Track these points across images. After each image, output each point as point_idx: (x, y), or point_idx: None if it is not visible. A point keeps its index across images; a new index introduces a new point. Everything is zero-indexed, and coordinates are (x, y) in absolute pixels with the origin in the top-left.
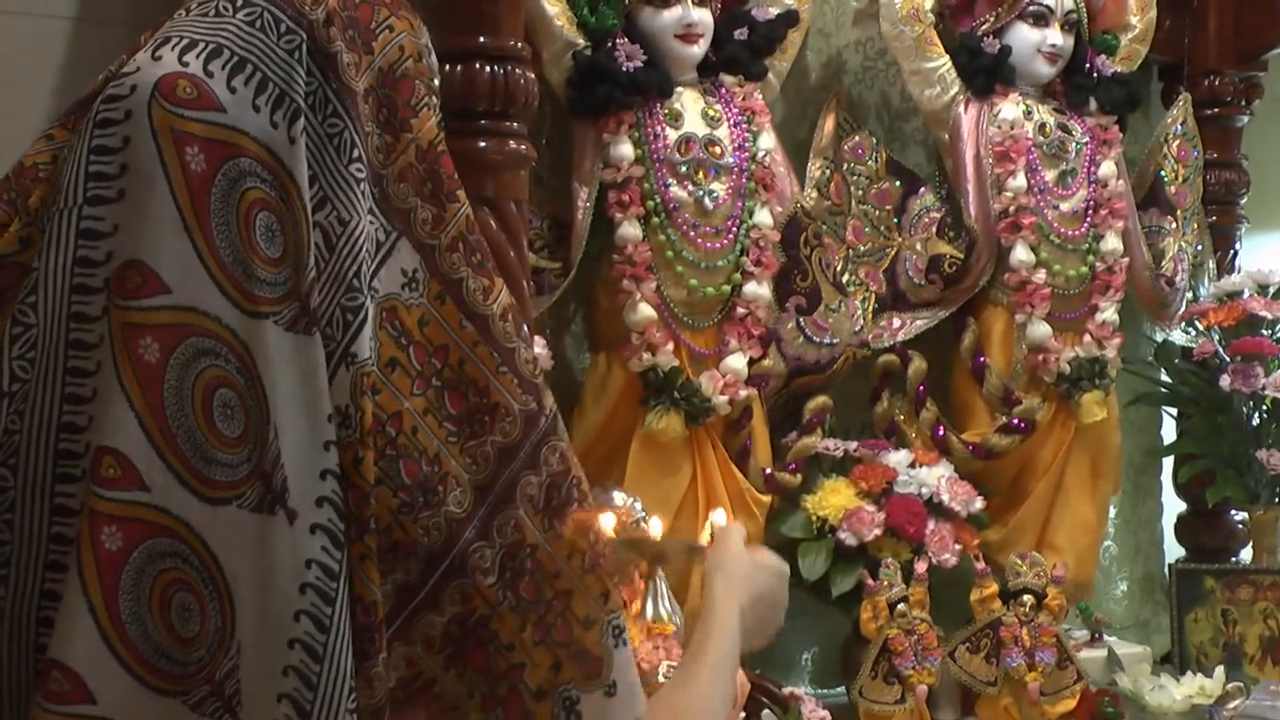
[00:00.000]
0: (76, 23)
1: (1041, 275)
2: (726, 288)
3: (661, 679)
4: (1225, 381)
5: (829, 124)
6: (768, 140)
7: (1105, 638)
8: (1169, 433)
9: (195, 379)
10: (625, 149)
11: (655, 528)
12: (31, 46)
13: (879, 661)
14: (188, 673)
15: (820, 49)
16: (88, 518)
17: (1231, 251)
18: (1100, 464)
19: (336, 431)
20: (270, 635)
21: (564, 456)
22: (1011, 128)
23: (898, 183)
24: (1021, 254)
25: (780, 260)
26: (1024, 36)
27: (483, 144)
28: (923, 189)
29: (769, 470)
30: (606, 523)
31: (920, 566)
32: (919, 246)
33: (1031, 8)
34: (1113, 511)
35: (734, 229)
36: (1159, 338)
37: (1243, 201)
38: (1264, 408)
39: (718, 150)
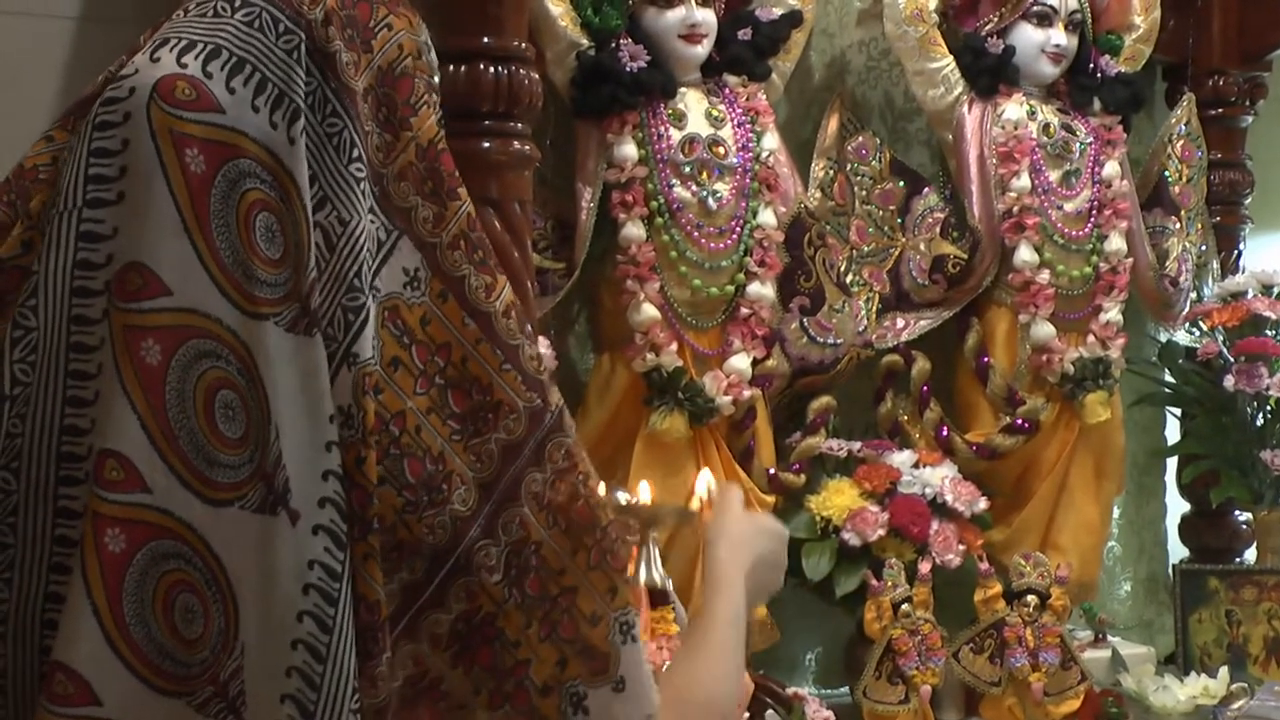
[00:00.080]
0: (79, 22)
1: (1045, 275)
2: (730, 288)
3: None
4: (1229, 382)
5: (833, 124)
6: (771, 140)
7: (1109, 638)
8: (1173, 433)
9: (197, 381)
10: (629, 149)
11: (645, 493)
12: (34, 47)
13: (883, 662)
14: (192, 674)
15: (824, 49)
16: (91, 520)
17: (1235, 252)
18: (1104, 464)
19: (339, 432)
20: (273, 636)
21: (570, 452)
22: (1015, 128)
23: (901, 183)
24: (1025, 254)
25: (784, 260)
26: (1028, 36)
27: (487, 144)
28: (926, 189)
29: (773, 470)
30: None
31: (924, 567)
32: (923, 247)
33: (1035, 8)
34: (1117, 512)
35: (738, 229)
36: (1163, 338)
37: (1247, 202)
38: (1268, 408)
39: (721, 150)
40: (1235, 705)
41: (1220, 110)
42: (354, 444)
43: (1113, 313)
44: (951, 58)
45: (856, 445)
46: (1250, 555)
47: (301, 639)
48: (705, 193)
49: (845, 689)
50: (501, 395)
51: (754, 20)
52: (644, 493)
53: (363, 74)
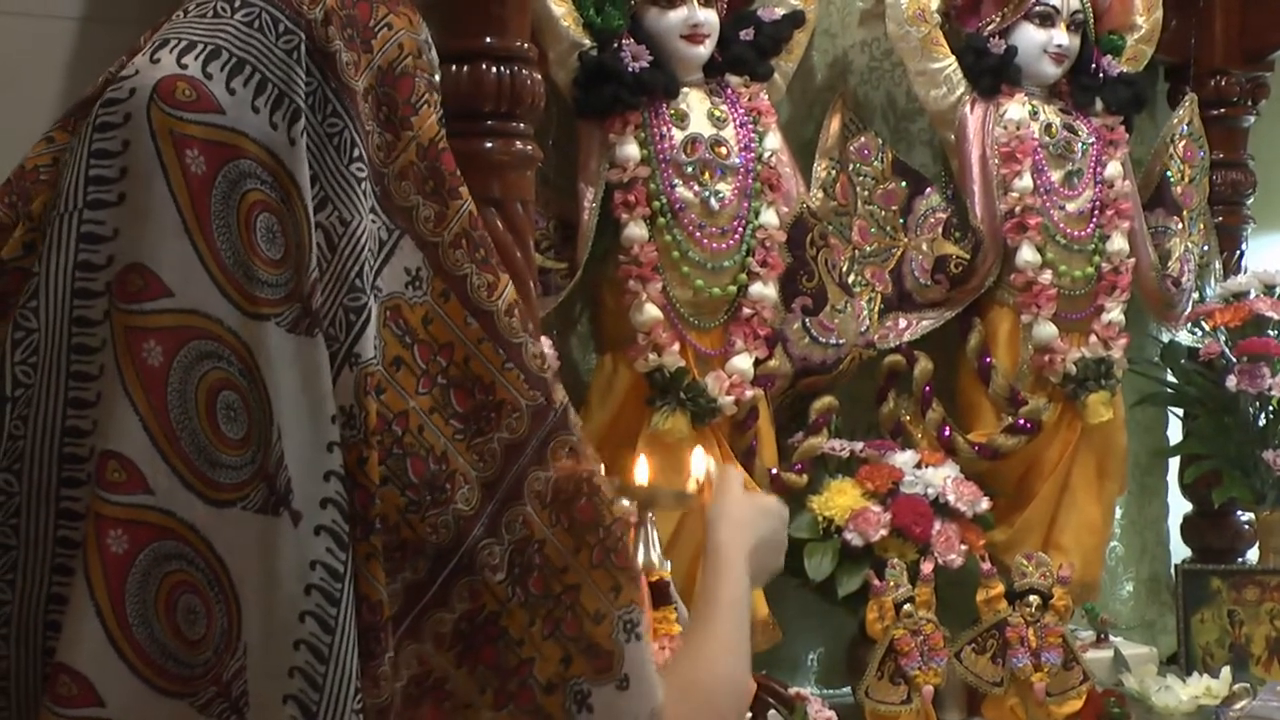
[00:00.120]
0: (81, 23)
1: (1047, 276)
2: (732, 288)
3: None
4: (1231, 382)
5: (835, 124)
6: (773, 141)
7: (1111, 638)
8: (1175, 433)
9: (198, 382)
10: (631, 149)
11: (643, 474)
12: (36, 47)
13: (885, 662)
14: (195, 674)
15: (826, 49)
16: (93, 522)
17: (1238, 252)
18: (1106, 464)
19: (341, 432)
20: (276, 637)
21: (574, 451)
22: (1017, 128)
23: (903, 183)
24: (1027, 254)
25: (786, 261)
26: (1030, 37)
27: (489, 144)
28: (928, 189)
29: (775, 471)
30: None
31: (926, 567)
32: (925, 247)
33: (1037, 8)
34: (1119, 512)
35: (740, 229)
36: (1165, 338)
37: (1249, 202)
38: (1270, 408)
39: (723, 151)
40: (1237, 705)
41: (1222, 110)
42: (356, 444)
43: (1115, 313)
44: (954, 58)
45: (859, 445)
46: (1252, 555)
47: (304, 639)
48: (707, 193)
49: (847, 689)
50: (504, 394)
51: (756, 20)
52: (641, 473)
53: (363, 74)
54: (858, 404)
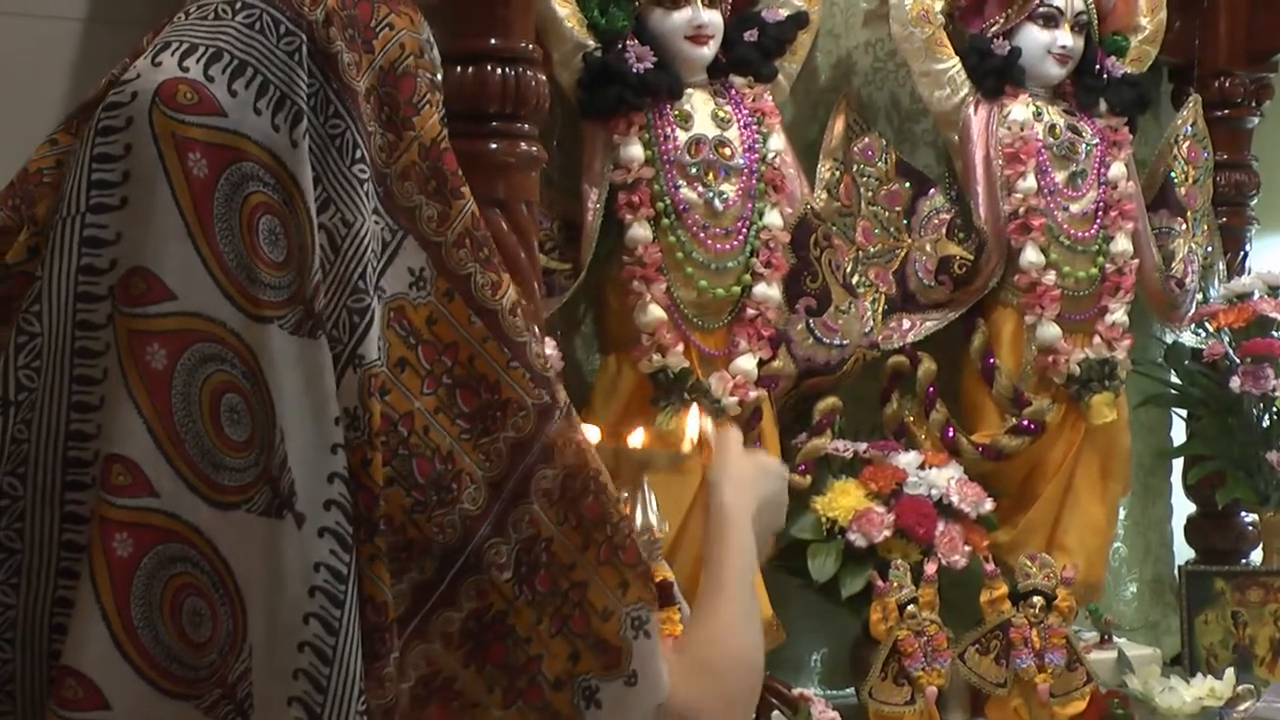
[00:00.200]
0: (85, 24)
1: (1051, 277)
2: (736, 289)
3: None
4: (1235, 383)
5: (839, 125)
6: (777, 142)
7: (1115, 639)
8: (1179, 434)
9: (202, 384)
10: (635, 150)
11: (638, 439)
12: (40, 48)
13: (888, 663)
14: (200, 676)
15: (830, 50)
16: (99, 525)
17: (1241, 253)
18: (1110, 465)
19: (345, 434)
20: (280, 638)
21: (579, 449)
22: (1021, 129)
23: (907, 184)
24: (1031, 255)
25: (790, 262)
26: (1034, 38)
27: (494, 146)
28: (932, 190)
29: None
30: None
31: (930, 568)
32: (929, 248)
33: (1041, 9)
34: (1122, 513)
35: (744, 230)
36: (1169, 339)
37: (1253, 203)
38: (1274, 409)
39: (728, 152)
40: (1241, 707)
41: (1226, 111)
42: (360, 446)
43: (1119, 314)
44: (958, 59)
45: (862, 446)
46: (1256, 556)
47: (308, 641)
48: (711, 194)
49: (851, 690)
50: (509, 393)
51: (760, 21)
52: (636, 438)
53: (364, 74)
54: (861, 405)
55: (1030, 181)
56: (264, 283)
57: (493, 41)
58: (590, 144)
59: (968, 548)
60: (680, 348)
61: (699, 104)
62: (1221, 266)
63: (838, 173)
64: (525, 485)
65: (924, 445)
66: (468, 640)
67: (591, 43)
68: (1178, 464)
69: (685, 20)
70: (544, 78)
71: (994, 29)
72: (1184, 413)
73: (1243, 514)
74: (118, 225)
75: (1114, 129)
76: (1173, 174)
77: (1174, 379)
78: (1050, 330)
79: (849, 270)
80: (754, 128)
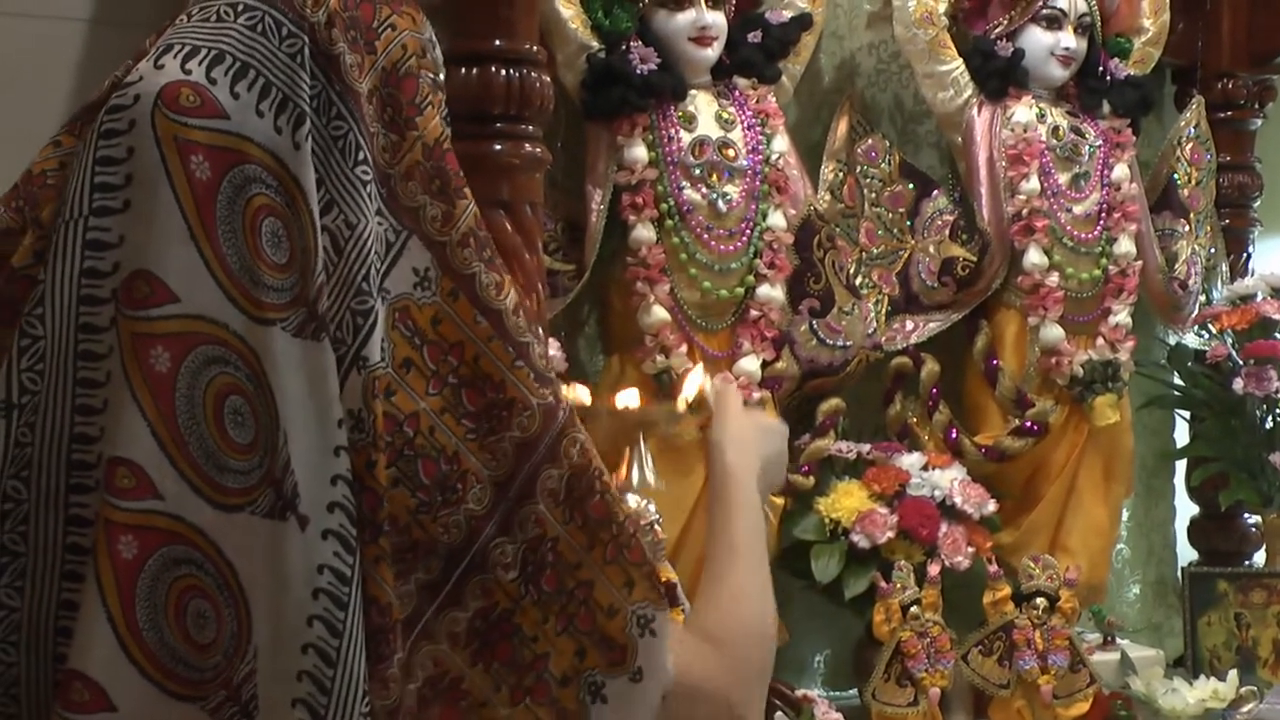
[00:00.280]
0: (90, 25)
1: (1054, 278)
2: (740, 290)
3: None
4: (1238, 385)
5: (842, 127)
6: (781, 143)
7: (1118, 641)
8: (1182, 436)
9: (206, 387)
10: (639, 152)
11: (633, 399)
12: (45, 49)
13: (892, 664)
14: (205, 678)
15: (834, 52)
16: (103, 527)
17: (1244, 255)
18: (1113, 467)
19: (349, 436)
20: (284, 640)
21: (584, 449)
22: (1025, 131)
23: (911, 185)
24: (1034, 257)
25: (793, 263)
26: (1037, 39)
27: (498, 147)
28: (936, 192)
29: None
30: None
31: (933, 569)
32: (932, 249)
33: (1045, 11)
34: (1125, 514)
35: (747, 231)
36: (1172, 341)
37: (1256, 205)
38: (1277, 411)
39: (731, 153)
40: (1244, 708)
41: (1229, 113)
42: (364, 448)
43: (1122, 315)
44: (961, 60)
45: (866, 447)
46: (1259, 558)
47: (312, 643)
48: (715, 195)
49: (854, 691)
50: (514, 392)
51: (764, 23)
52: (632, 398)
53: (367, 75)
54: (865, 406)
55: (1033, 183)
56: (267, 285)
57: (497, 43)
58: (594, 145)
59: (971, 549)
60: (684, 349)
61: (703, 105)
62: (1224, 268)
63: (841, 174)
64: (531, 485)
65: (927, 446)
66: (474, 639)
67: (595, 44)
68: (1181, 465)
69: (689, 22)
70: (548, 79)
71: (997, 31)
72: (1187, 414)
73: (1246, 516)
74: (120, 228)
75: (1117, 131)
76: (1176, 176)
77: (1177, 380)
78: (1053, 332)
79: (852, 271)
80: (758, 129)
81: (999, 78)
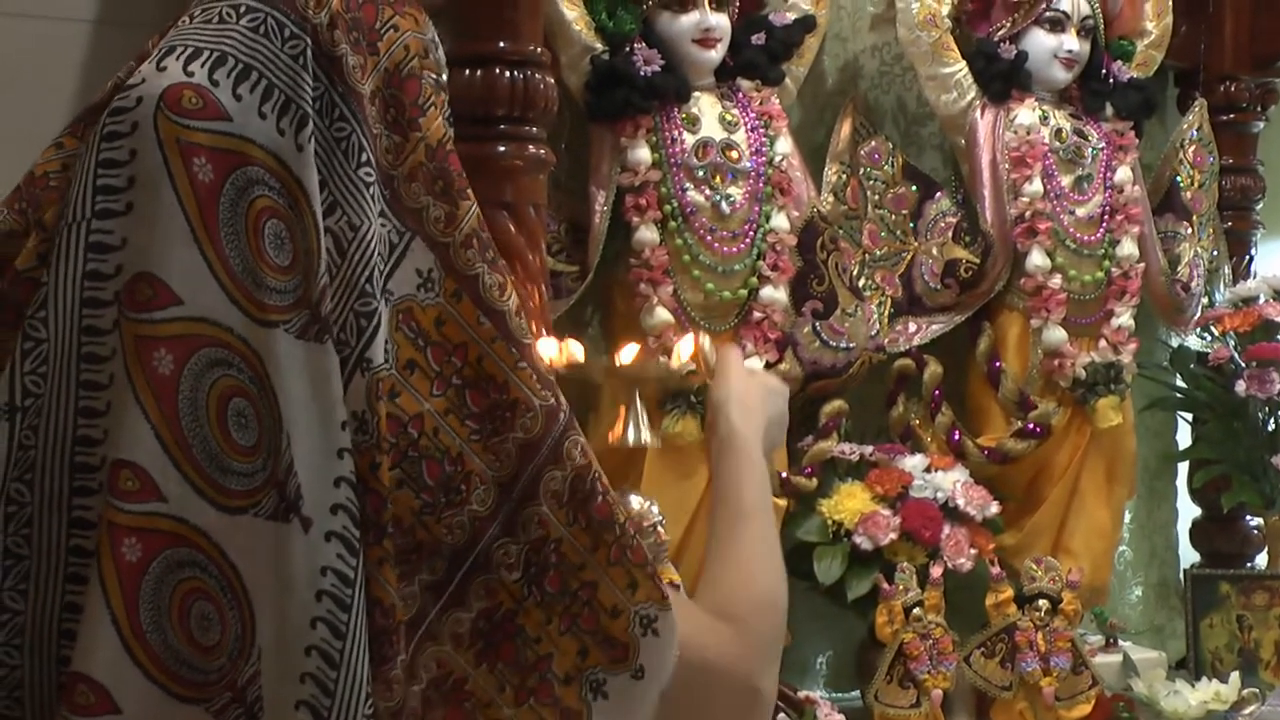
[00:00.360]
0: (94, 25)
1: (1057, 280)
2: (743, 292)
3: None
4: (1241, 387)
5: (845, 128)
6: (784, 145)
7: (1120, 643)
8: (1184, 438)
9: (209, 389)
10: (642, 153)
11: (629, 354)
12: (49, 50)
13: (894, 666)
14: (209, 680)
15: (837, 54)
16: (107, 530)
17: (1247, 257)
18: (1115, 469)
19: (353, 438)
20: (288, 642)
21: (585, 451)
22: (1028, 133)
23: (914, 187)
24: (1037, 259)
25: (797, 264)
26: (1040, 42)
27: (502, 148)
28: (939, 194)
29: (785, 474)
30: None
31: (935, 571)
32: (935, 251)
33: (1048, 13)
34: (1128, 516)
35: (751, 233)
36: (1174, 343)
37: (1258, 207)
38: (1279, 413)
39: (735, 155)
40: (1247, 710)
41: (1232, 116)
42: (368, 449)
43: (1124, 317)
44: (964, 63)
45: (868, 449)
46: (1262, 560)
47: (315, 645)
48: (718, 196)
49: (856, 692)
50: (518, 393)
51: (767, 25)
52: (628, 354)
53: (369, 77)
54: (867, 408)
55: (1036, 185)
56: (270, 287)
57: (501, 44)
58: (597, 147)
59: (973, 551)
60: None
61: (706, 107)
62: (1227, 270)
63: (844, 176)
64: (534, 486)
65: (930, 448)
66: (478, 640)
67: (599, 46)
68: (1183, 468)
69: (693, 23)
70: (552, 81)
71: (1000, 33)
72: (1189, 416)
73: (1248, 518)
74: (123, 230)
75: (1120, 133)
76: (1178, 178)
77: (1179, 383)
78: (1056, 334)
79: (855, 273)
80: (761, 131)
81: (1002, 80)
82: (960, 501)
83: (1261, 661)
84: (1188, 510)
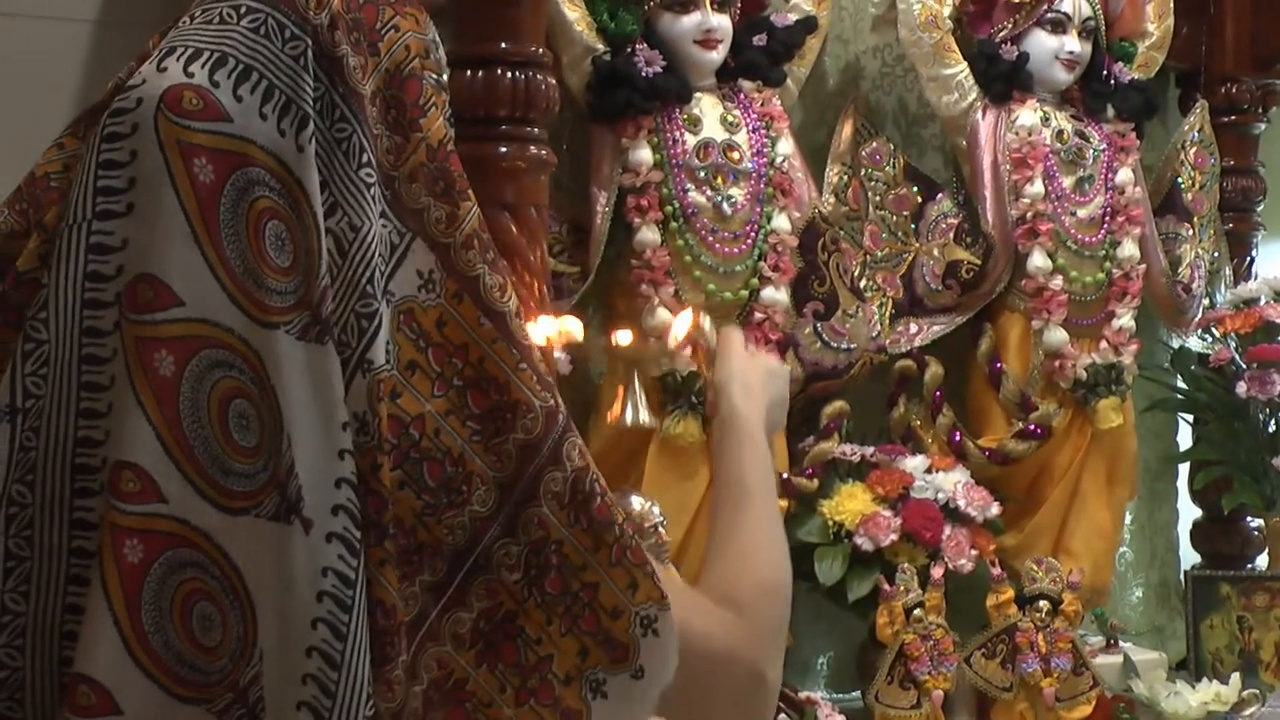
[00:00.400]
0: (97, 26)
1: (1058, 281)
2: (744, 293)
3: None
4: (1241, 388)
5: (847, 129)
6: (786, 146)
7: (1121, 644)
8: (1185, 439)
9: (210, 390)
10: (644, 154)
11: (625, 337)
12: (52, 50)
13: (895, 666)
14: (211, 681)
15: (838, 55)
16: (109, 531)
17: (1248, 258)
18: (1116, 470)
19: (354, 439)
20: (289, 643)
21: (583, 453)
22: (1029, 134)
23: (915, 188)
24: (1038, 260)
25: (798, 265)
26: (1042, 43)
27: (504, 149)
28: (940, 195)
29: (786, 475)
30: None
31: (936, 572)
32: (936, 252)
33: (1049, 15)
34: (1129, 517)
35: (752, 234)
36: (1175, 344)
37: (1259, 208)
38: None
39: (736, 155)
40: (1247, 712)
41: (1233, 117)
42: (369, 450)
43: (1125, 319)
44: (965, 64)
45: (869, 450)
46: (1262, 561)
47: (316, 646)
48: (720, 197)
49: (857, 693)
50: (519, 395)
51: (769, 26)
52: (624, 336)
53: (370, 77)
54: (869, 409)
55: (1038, 186)
56: (270, 288)
57: (503, 45)
58: (599, 148)
59: (974, 552)
60: (688, 351)
61: (707, 108)
62: (1228, 272)
63: (846, 177)
64: (535, 488)
65: (931, 449)
66: (479, 640)
67: (601, 46)
68: (1184, 469)
69: (694, 24)
70: (553, 81)
71: (1002, 34)
72: (1190, 418)
73: (1249, 519)
74: (124, 232)
75: (1121, 134)
76: (1179, 179)
77: (1180, 384)
78: (1057, 335)
79: (856, 274)
80: (762, 132)
81: (1003, 81)
82: (961, 502)
83: (1262, 663)
84: (1188, 511)
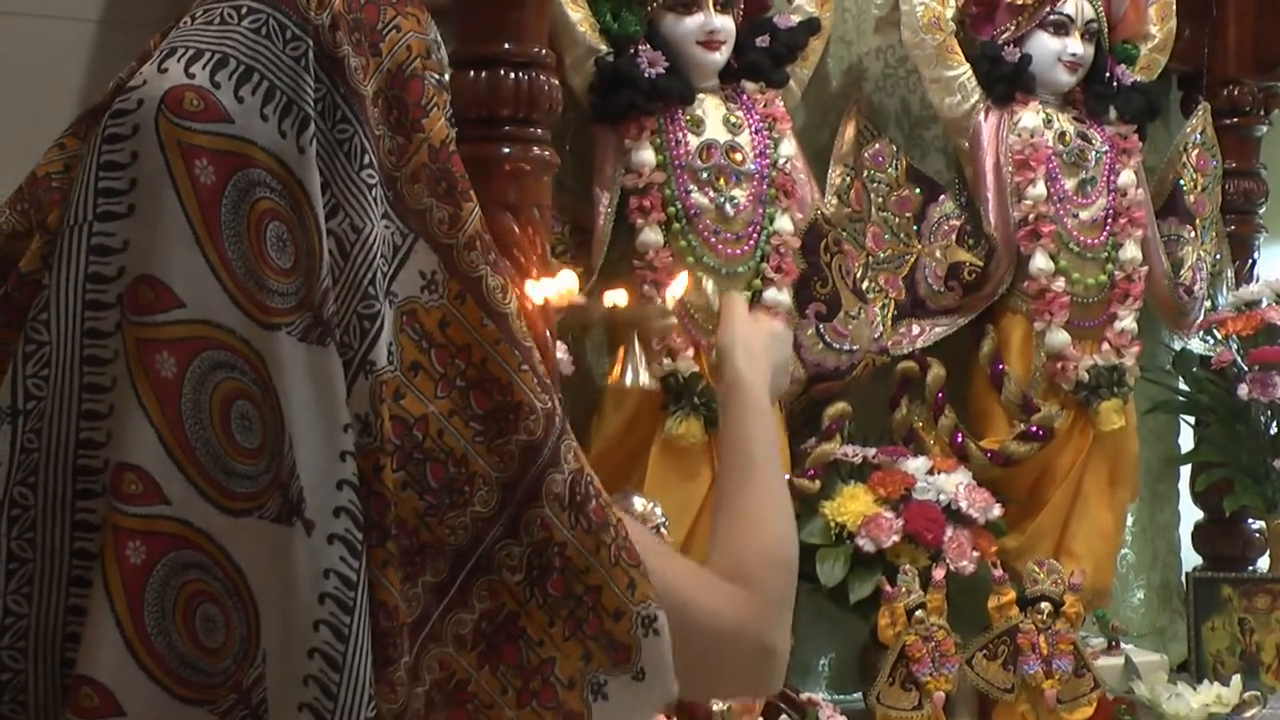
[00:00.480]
0: (99, 26)
1: (1060, 283)
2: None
3: None
4: (1243, 390)
5: (849, 131)
6: (789, 147)
7: (1122, 645)
8: (1187, 441)
9: (212, 392)
10: (647, 155)
11: (621, 298)
12: (54, 50)
13: (896, 668)
14: (214, 682)
15: (841, 56)
16: (111, 533)
17: (1250, 260)
18: (1118, 472)
19: (356, 440)
20: (292, 644)
21: (578, 454)
22: (1031, 136)
23: (918, 190)
24: (1040, 262)
25: (800, 267)
26: (1044, 45)
27: (506, 150)
28: (942, 196)
29: (788, 476)
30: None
31: (938, 573)
32: (938, 254)
33: (1052, 17)
34: (1130, 519)
35: (755, 235)
36: (1177, 346)
37: (1261, 211)
38: None
39: (739, 157)
40: (1248, 714)
41: (1235, 119)
42: (372, 452)
43: (1127, 321)
44: (968, 65)
45: (871, 451)
46: (1263, 563)
47: (318, 647)
48: (722, 199)
49: (859, 695)
50: (521, 396)
51: (772, 27)
52: (620, 297)
53: (372, 78)
54: (871, 410)
55: (1040, 188)
56: (272, 290)
57: (506, 46)
58: (602, 148)
59: (976, 553)
60: (690, 352)
61: (710, 109)
62: (1230, 274)
63: (848, 178)
64: (537, 489)
65: (933, 450)
66: (481, 641)
67: (604, 47)
68: (1185, 470)
69: (697, 25)
70: (556, 82)
71: (1004, 36)
72: (1192, 419)
73: (1250, 521)
74: (125, 233)
75: (1123, 136)
76: (1181, 181)
77: (1182, 386)
78: (1059, 337)
79: (859, 276)
80: (765, 133)
81: (1006, 83)
82: (963, 504)
83: (1263, 664)
84: (1190, 513)
